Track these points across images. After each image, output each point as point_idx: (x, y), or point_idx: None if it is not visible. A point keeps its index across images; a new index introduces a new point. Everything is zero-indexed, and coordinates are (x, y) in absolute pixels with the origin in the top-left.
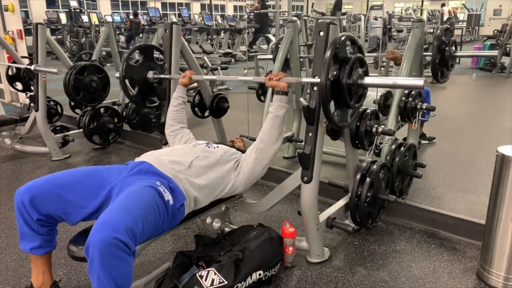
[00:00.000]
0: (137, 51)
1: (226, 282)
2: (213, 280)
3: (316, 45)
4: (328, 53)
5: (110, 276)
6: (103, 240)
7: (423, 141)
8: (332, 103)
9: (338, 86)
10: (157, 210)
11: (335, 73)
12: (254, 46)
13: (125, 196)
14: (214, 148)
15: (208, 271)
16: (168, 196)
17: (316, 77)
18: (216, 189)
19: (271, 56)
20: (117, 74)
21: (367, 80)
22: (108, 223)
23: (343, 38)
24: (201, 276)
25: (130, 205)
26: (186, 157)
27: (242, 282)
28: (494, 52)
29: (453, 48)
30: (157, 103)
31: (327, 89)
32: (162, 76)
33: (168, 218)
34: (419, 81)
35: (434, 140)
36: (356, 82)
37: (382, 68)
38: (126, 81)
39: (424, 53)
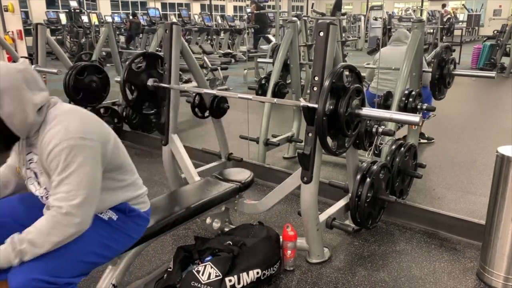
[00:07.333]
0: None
1: (222, 276)
2: (209, 274)
3: (316, 46)
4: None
5: None
6: (20, 285)
7: (422, 140)
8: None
9: (336, 117)
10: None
11: (332, 107)
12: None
13: None
14: None
15: (205, 266)
16: (106, 215)
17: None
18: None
19: (270, 60)
20: (118, 78)
21: (364, 111)
22: (24, 265)
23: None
24: (198, 271)
25: None
26: None
27: (240, 280)
28: (492, 73)
29: (452, 66)
30: (153, 111)
31: (323, 124)
32: (161, 85)
33: (125, 228)
34: (415, 118)
35: (433, 141)
36: (354, 112)
37: None
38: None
39: (424, 69)
